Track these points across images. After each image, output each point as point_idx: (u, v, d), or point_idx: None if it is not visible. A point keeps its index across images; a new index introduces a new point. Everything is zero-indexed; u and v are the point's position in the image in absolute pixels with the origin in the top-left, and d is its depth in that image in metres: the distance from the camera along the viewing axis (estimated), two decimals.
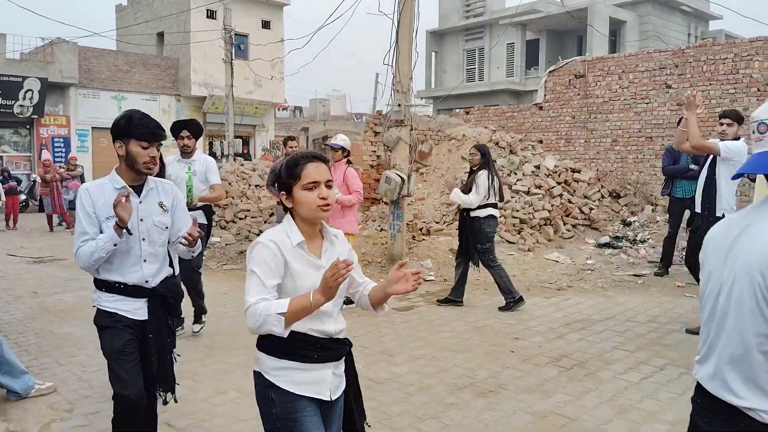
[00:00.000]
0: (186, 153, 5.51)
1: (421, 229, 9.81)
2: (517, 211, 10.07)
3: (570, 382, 4.36)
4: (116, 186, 2.79)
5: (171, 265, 3.02)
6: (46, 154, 15.93)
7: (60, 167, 15.37)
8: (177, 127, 5.53)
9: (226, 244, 10.13)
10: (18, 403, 4.02)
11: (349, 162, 6.40)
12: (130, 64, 23.67)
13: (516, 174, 11.02)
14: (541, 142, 14.11)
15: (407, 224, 9.13)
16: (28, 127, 21.26)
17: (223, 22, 19.32)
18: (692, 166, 7.69)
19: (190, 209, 4.08)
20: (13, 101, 19.95)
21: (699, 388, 1.75)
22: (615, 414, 3.84)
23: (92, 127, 22.39)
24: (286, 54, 25.17)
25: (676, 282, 7.61)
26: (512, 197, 10.38)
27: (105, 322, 2.82)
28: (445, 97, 24.17)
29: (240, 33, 23.50)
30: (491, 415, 3.84)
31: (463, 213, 6.50)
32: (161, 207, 2.89)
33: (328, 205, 2.06)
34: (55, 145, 21.39)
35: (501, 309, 6.37)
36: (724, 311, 1.63)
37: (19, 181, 17.01)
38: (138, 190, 2.84)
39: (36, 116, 20.81)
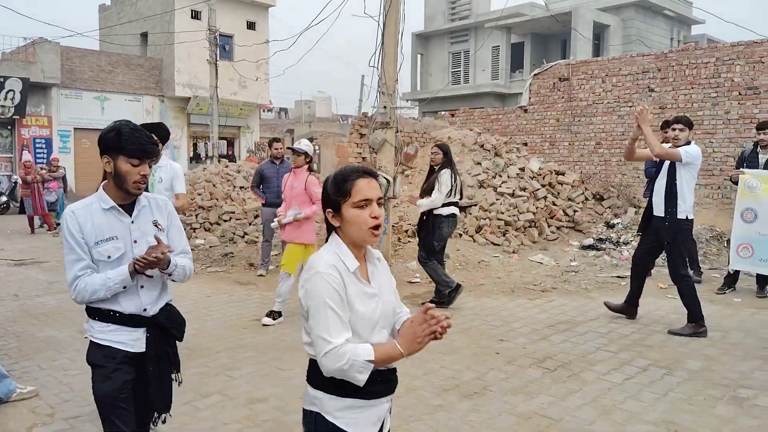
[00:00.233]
0: None
1: (406, 231, 9.82)
2: (502, 213, 10.12)
3: (554, 384, 4.39)
4: (104, 206, 2.48)
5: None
6: (26, 155, 15.72)
7: (41, 168, 15.18)
8: None
9: (210, 246, 10.07)
10: None
11: (310, 169, 6.23)
12: (113, 64, 23.46)
13: (501, 176, 11.08)
14: (525, 144, 14.20)
15: (393, 226, 9.14)
16: (9, 127, 20.99)
17: (208, 22, 19.21)
18: None
19: None
20: None
21: None
22: (598, 415, 3.87)
23: (74, 128, 22.16)
24: (272, 55, 25.08)
25: (658, 283, 7.69)
26: (497, 199, 10.43)
27: (97, 359, 2.51)
28: (430, 99, 24.24)
29: (225, 34, 23.38)
30: (476, 416, 3.86)
31: (424, 211, 6.57)
32: (156, 226, 2.58)
33: (379, 225, 1.89)
34: (37, 146, 21.13)
35: (432, 301, 6.36)
36: None
37: None
38: (129, 209, 2.54)
39: (17, 117, 20.55)
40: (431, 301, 6.68)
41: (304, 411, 1.95)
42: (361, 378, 1.77)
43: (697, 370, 4.69)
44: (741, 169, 7.02)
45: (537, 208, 10.55)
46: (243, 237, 10.37)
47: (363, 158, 12.28)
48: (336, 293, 1.79)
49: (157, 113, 23.67)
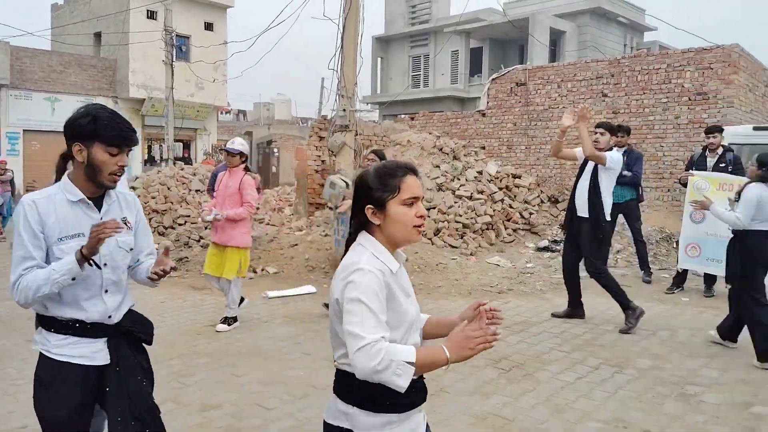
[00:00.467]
0: None
1: None
2: (460, 215, 10.21)
3: (509, 384, 4.44)
4: (72, 198, 2.19)
5: None
6: None
7: None
8: None
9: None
10: None
11: (246, 169, 6.04)
12: (64, 64, 22.84)
13: (459, 179, 11.18)
14: (483, 148, 14.37)
15: None
16: None
17: (164, 22, 18.87)
18: (625, 173, 7.97)
19: None
20: None
21: None
22: (551, 414, 3.93)
23: (24, 130, 21.48)
24: (230, 56, 24.77)
25: None
26: (455, 202, 10.52)
27: (48, 375, 2.19)
28: (390, 102, 24.34)
29: (181, 34, 23.02)
30: (433, 418, 3.86)
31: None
32: (125, 224, 2.32)
33: (422, 225, 1.82)
34: None
35: (326, 304, 6.32)
36: None
37: None
38: (98, 203, 2.27)
39: None
40: None
41: (328, 425, 1.82)
42: (400, 383, 1.61)
43: (646, 368, 4.82)
44: (690, 171, 7.26)
45: (494, 210, 10.68)
46: (198, 241, 10.20)
47: (322, 161, 12.23)
48: (376, 294, 1.67)
49: None
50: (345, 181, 8.06)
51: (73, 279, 2.14)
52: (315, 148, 12.36)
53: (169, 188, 11.83)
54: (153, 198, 11.42)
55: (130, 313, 2.37)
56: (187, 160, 23.48)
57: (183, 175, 12.57)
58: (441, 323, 1.98)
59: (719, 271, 6.73)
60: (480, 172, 11.49)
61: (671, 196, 11.94)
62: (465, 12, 20.70)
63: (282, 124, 34.27)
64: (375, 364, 1.58)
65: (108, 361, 2.25)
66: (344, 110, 8.41)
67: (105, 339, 2.26)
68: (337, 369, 1.83)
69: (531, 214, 11.09)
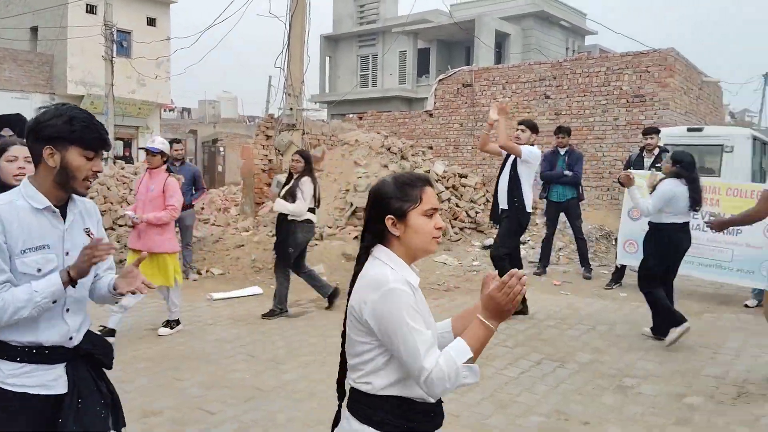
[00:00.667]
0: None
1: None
2: None
3: None
4: (37, 205, 1.96)
5: None
6: None
7: None
8: None
9: None
10: None
11: (168, 170, 5.76)
12: None
13: None
14: (431, 148, 14.51)
15: None
16: None
17: (104, 17, 18.26)
18: (566, 172, 8.20)
19: None
20: None
21: None
22: (495, 409, 4.00)
23: None
24: (173, 53, 24.19)
25: (553, 281, 8.07)
26: None
27: (1, 411, 1.94)
28: (338, 101, 24.28)
29: (122, 29, 22.34)
30: None
31: (281, 217, 6.35)
32: (88, 234, 2.11)
33: (439, 237, 1.81)
34: None
35: (264, 316, 6.25)
36: None
37: None
38: (62, 211, 2.05)
39: None
40: (269, 313, 6.36)
41: None
42: (470, 381, 1.64)
43: (586, 362, 4.96)
44: (628, 170, 7.51)
45: (441, 209, 10.79)
46: None
47: (269, 160, 12.08)
48: (414, 311, 1.66)
49: None
50: None
51: (54, 302, 1.95)
52: (262, 147, 12.20)
53: (108, 188, 11.44)
54: (92, 198, 11.03)
55: (88, 334, 2.15)
56: (128, 159, 22.79)
57: (123, 175, 12.18)
58: (465, 316, 1.97)
59: None
60: (427, 172, 11.59)
61: (610, 195, 12.35)
62: (412, 13, 20.87)
63: (228, 122, 33.68)
64: (445, 387, 1.61)
65: (66, 390, 2.01)
66: (291, 109, 8.35)
67: (63, 364, 2.02)
68: (351, 388, 1.78)
69: (477, 213, 11.25)
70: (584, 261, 8.46)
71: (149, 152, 5.70)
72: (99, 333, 5.23)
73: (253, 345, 5.36)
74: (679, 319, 5.23)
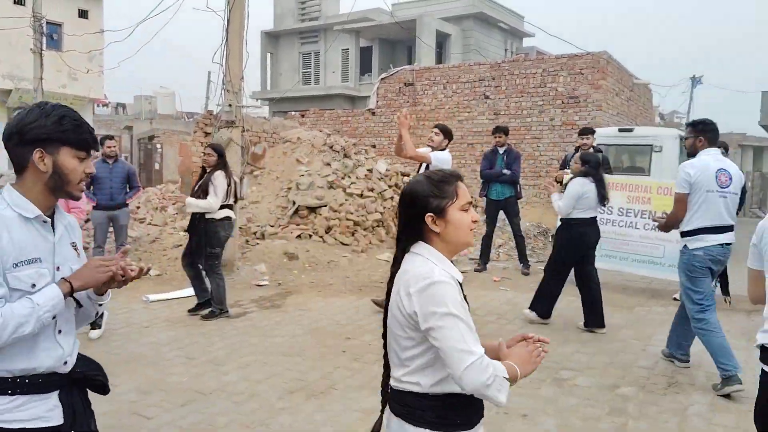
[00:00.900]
0: None
1: (255, 233, 9.61)
2: (351, 213, 10.26)
3: None
4: (27, 214, 1.78)
5: None
6: None
7: None
8: None
9: None
10: None
11: None
12: None
13: (350, 177, 11.23)
14: (374, 146, 14.55)
15: (240, 228, 8.89)
16: None
17: (33, 8, 17.40)
18: (505, 171, 8.37)
19: None
20: None
21: None
22: None
23: None
24: (105, 46, 23.30)
25: (493, 277, 8.23)
26: (346, 200, 10.56)
27: None
28: (279, 99, 23.99)
29: (53, 21, 21.38)
30: (321, 416, 3.86)
31: (195, 215, 6.11)
32: (74, 249, 1.96)
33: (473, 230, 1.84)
34: None
35: (204, 317, 6.11)
36: None
37: None
38: (52, 223, 1.88)
39: None
40: (208, 315, 6.20)
41: None
42: (501, 398, 1.61)
43: None
44: (565, 169, 7.75)
45: (384, 208, 10.83)
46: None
47: None
48: (461, 304, 1.68)
49: None
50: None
51: (54, 317, 1.77)
52: (200, 144, 11.93)
53: None
54: None
55: (80, 357, 1.97)
56: None
57: None
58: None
59: None
60: (370, 170, 11.61)
61: (547, 193, 12.69)
62: (354, 11, 20.86)
63: (166, 118, 32.76)
64: (485, 379, 1.59)
65: (62, 421, 1.82)
66: (230, 105, 8.17)
67: (57, 392, 1.83)
68: (397, 390, 1.77)
69: None
70: (522, 257, 8.66)
71: None
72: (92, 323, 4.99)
73: (192, 347, 5.24)
74: (545, 313, 6.01)
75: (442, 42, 26.34)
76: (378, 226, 10.49)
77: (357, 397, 4.15)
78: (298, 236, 9.53)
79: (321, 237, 9.73)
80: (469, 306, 1.80)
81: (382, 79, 15.51)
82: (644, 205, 7.26)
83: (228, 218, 6.18)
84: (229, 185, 6.11)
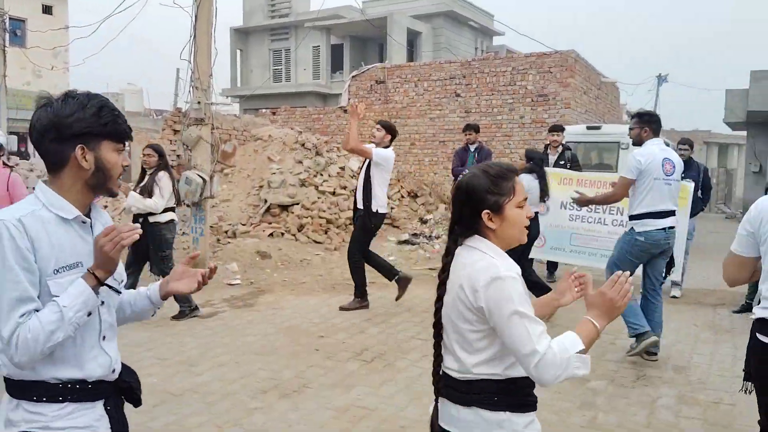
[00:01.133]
0: None
1: (226, 232, 9.53)
2: (324, 211, 10.24)
3: (370, 374, 4.53)
4: (65, 215, 1.65)
5: None
6: None
7: None
8: None
9: None
10: None
11: (6, 165, 5.22)
12: None
13: (322, 175, 11.20)
14: None
15: (211, 227, 8.81)
16: None
17: None
18: None
19: None
20: None
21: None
22: (410, 400, 4.07)
23: None
24: (71, 42, 22.84)
25: None
26: (319, 198, 10.53)
27: None
28: (250, 96, 23.78)
29: (16, 17, 20.87)
30: (294, 414, 3.85)
31: (139, 218, 5.84)
32: None
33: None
34: None
35: (174, 317, 6.02)
36: None
37: None
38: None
39: None
40: (178, 315, 6.09)
41: None
42: (581, 373, 1.66)
43: None
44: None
45: None
46: None
47: (177, 156, 11.67)
48: (526, 298, 1.68)
49: None
50: (202, 177, 7.76)
51: (89, 314, 1.63)
52: (169, 142, 11.78)
53: None
54: None
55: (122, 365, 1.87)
56: (23, 155, 21.34)
57: (18, 171, 11.40)
58: (538, 305, 2.01)
59: (560, 258, 7.80)
60: (343, 168, 11.60)
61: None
62: (325, 8, 20.74)
63: (134, 116, 32.16)
64: (556, 372, 1.62)
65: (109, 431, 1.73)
66: (199, 103, 8.07)
67: (103, 401, 1.73)
68: (465, 380, 1.78)
69: (392, 208, 11.38)
70: None
71: None
72: None
73: (164, 347, 5.17)
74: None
75: (413, 40, 26.40)
76: (351, 223, 10.48)
77: (330, 395, 4.15)
78: (271, 235, 9.48)
79: (293, 235, 9.69)
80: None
81: (353, 76, 15.49)
82: None
83: (173, 221, 6.07)
84: (173, 187, 6.01)
